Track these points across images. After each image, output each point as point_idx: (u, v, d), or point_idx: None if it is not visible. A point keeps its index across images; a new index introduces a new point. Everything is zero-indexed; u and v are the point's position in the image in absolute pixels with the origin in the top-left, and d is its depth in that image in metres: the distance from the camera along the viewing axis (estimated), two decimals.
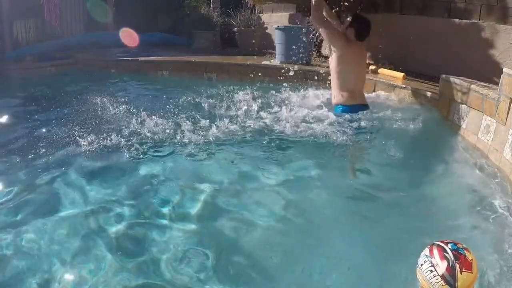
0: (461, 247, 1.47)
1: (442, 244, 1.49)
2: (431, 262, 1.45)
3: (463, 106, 3.56)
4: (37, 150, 3.33)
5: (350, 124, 3.71)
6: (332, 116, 3.85)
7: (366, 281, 2.05)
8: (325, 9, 4.12)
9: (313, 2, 3.92)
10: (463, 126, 3.53)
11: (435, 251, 1.47)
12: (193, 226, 2.43)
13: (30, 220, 2.42)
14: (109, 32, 7.69)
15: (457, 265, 1.42)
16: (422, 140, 3.58)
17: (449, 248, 1.46)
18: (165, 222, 2.46)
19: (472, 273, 1.43)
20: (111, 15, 7.95)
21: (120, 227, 2.39)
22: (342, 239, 2.33)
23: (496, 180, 2.78)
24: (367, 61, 5.99)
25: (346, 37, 3.90)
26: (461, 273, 1.41)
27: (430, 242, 1.51)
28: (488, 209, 2.50)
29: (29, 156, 3.22)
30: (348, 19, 3.93)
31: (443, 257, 1.44)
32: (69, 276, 2.02)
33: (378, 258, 2.17)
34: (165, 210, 2.58)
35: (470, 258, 1.45)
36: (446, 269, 1.42)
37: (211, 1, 8.23)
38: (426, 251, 1.50)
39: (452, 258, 1.43)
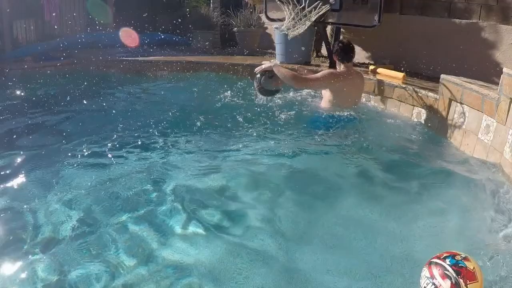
0: (459, 259, 1.44)
1: (440, 262, 1.45)
2: (434, 284, 1.42)
3: (463, 106, 3.56)
4: (37, 150, 3.33)
5: (347, 127, 3.72)
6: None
7: None
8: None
9: (290, 82, 3.74)
10: (463, 126, 3.53)
11: (435, 272, 1.43)
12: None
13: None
14: (109, 32, 7.68)
15: (461, 281, 1.39)
16: (422, 141, 3.58)
17: (448, 264, 1.43)
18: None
19: (477, 281, 1.41)
20: (111, 15, 7.94)
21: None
22: (344, 247, 2.27)
23: (496, 180, 2.78)
24: (367, 61, 6.01)
25: (336, 70, 3.91)
26: (466, 287, 1.39)
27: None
28: (488, 211, 2.49)
29: (29, 156, 3.22)
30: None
31: (445, 276, 1.41)
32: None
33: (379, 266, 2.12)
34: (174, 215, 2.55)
35: (472, 267, 1.42)
36: (451, 287, 1.39)
37: (211, 1, 8.22)
38: (426, 272, 1.46)
39: (454, 275, 1.40)
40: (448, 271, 1.41)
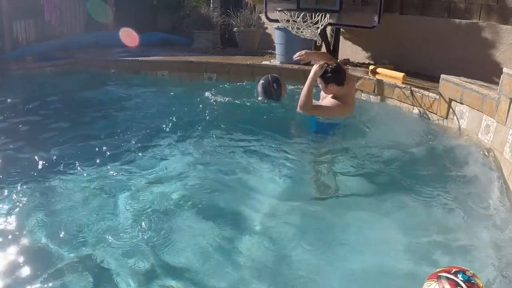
0: (470, 275, 1.36)
1: (451, 276, 1.35)
2: None
3: (463, 106, 3.56)
4: (36, 150, 3.33)
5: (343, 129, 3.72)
6: None
7: None
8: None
9: (303, 99, 3.46)
10: (463, 126, 3.54)
11: (447, 287, 1.33)
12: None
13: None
14: (109, 32, 7.68)
15: None
16: (421, 141, 3.57)
17: (461, 280, 1.33)
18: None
19: None
20: (111, 15, 7.94)
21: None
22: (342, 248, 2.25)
23: (496, 181, 2.78)
24: (367, 61, 6.01)
25: (335, 97, 3.57)
26: None
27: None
28: (485, 212, 2.49)
29: (29, 156, 3.22)
30: (320, 81, 3.57)
31: None
32: None
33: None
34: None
35: (481, 285, 1.35)
36: None
37: (211, 1, 8.22)
38: (435, 286, 1.36)
39: None
40: (461, 287, 1.33)
